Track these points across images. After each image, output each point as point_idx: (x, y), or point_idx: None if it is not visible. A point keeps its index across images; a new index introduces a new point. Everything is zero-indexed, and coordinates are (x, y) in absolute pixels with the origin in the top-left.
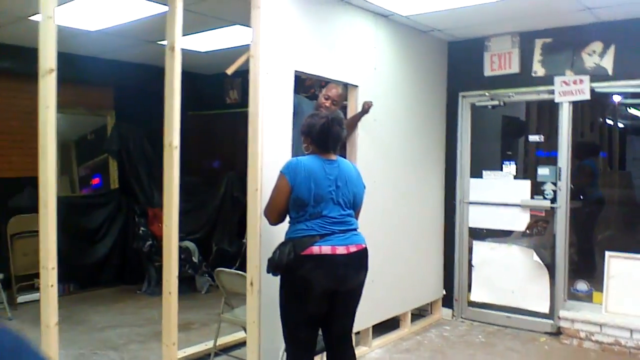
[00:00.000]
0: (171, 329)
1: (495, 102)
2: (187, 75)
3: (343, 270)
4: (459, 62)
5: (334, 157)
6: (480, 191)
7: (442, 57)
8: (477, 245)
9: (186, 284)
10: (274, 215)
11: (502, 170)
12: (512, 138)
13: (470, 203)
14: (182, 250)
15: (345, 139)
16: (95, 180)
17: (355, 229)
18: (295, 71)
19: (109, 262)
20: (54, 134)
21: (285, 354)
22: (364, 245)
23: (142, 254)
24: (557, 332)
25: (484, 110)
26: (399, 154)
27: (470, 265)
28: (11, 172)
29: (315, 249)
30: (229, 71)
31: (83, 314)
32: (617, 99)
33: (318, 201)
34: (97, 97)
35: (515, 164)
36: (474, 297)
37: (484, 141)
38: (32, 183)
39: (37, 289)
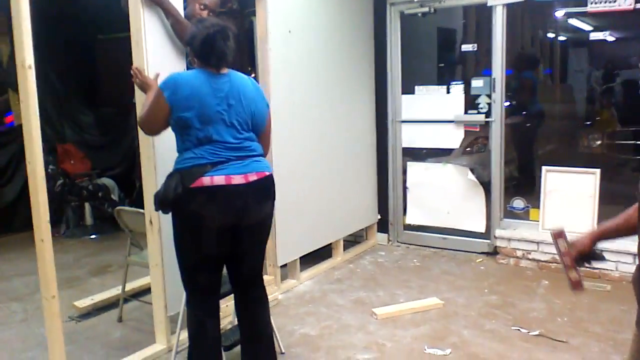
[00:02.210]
0: (48, 281)
1: (425, 9)
2: None
3: (241, 202)
4: None
5: (224, 70)
6: (413, 109)
7: None
8: (411, 167)
9: (109, 223)
10: (152, 130)
11: (449, 92)
12: (447, 51)
13: (403, 122)
14: (100, 188)
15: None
16: (9, 119)
17: (256, 155)
18: None
19: (20, 205)
20: None
21: (186, 300)
22: (267, 173)
23: (55, 195)
24: (494, 252)
25: (415, 20)
26: (321, 70)
27: (404, 188)
28: None
29: (206, 180)
30: None
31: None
32: (559, 13)
33: (205, 122)
34: None
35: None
36: (410, 220)
37: (417, 55)
38: None
39: None
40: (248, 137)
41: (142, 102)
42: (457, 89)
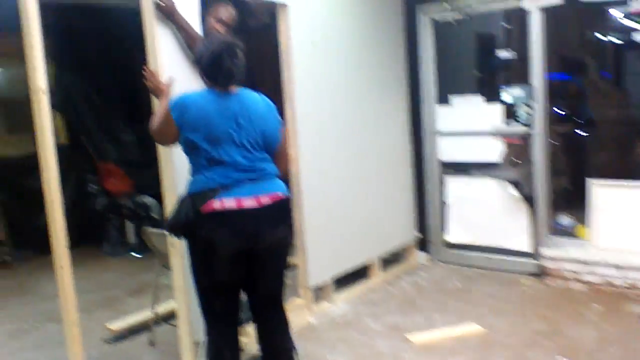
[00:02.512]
0: (69, 308)
1: (458, 16)
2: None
3: (254, 226)
4: None
5: (233, 89)
6: (449, 120)
7: None
8: (450, 181)
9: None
10: (163, 143)
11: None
12: (484, 59)
13: (439, 134)
14: (141, 206)
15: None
16: None
17: (269, 176)
18: None
19: (66, 223)
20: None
21: (204, 328)
22: (281, 195)
23: (96, 213)
24: (541, 273)
25: (449, 27)
26: (350, 80)
27: (443, 204)
28: None
29: (217, 204)
30: None
31: (34, 282)
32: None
33: (214, 143)
34: None
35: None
36: (450, 238)
37: (452, 63)
38: None
39: None
40: (260, 158)
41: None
42: (504, 96)
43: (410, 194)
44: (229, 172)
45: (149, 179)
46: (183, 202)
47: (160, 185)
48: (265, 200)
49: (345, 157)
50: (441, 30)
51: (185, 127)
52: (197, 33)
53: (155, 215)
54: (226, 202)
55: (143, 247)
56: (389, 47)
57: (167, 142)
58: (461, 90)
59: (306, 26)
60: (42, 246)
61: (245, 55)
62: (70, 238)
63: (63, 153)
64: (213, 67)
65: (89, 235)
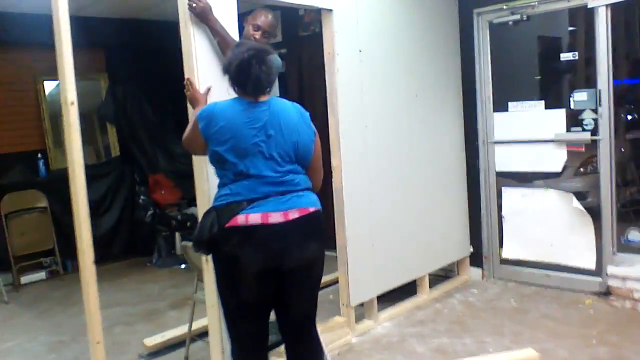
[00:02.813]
0: (94, 326)
1: (516, 17)
2: None
3: (281, 242)
4: None
5: (264, 97)
6: (506, 127)
7: None
8: (507, 193)
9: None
10: (195, 153)
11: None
12: (545, 62)
13: (496, 142)
14: (189, 217)
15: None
16: None
17: (300, 190)
18: None
19: (117, 235)
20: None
21: (230, 352)
22: (311, 209)
23: (145, 225)
24: (606, 293)
25: (507, 29)
26: (399, 88)
27: (500, 216)
28: None
29: (241, 219)
30: None
31: (80, 294)
32: None
33: (241, 156)
34: (87, 59)
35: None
36: (507, 253)
37: (510, 67)
38: (22, 158)
39: (44, 268)
40: (291, 170)
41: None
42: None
43: (464, 206)
44: (256, 186)
45: None
46: (208, 217)
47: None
48: (294, 215)
49: (392, 168)
50: (498, 32)
51: (212, 139)
52: (232, 39)
53: None
54: (251, 217)
55: None
56: (443, 52)
57: (197, 153)
58: (520, 95)
59: (352, 32)
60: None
61: (290, 62)
62: (119, 249)
63: (115, 165)
64: (241, 75)
65: (139, 247)
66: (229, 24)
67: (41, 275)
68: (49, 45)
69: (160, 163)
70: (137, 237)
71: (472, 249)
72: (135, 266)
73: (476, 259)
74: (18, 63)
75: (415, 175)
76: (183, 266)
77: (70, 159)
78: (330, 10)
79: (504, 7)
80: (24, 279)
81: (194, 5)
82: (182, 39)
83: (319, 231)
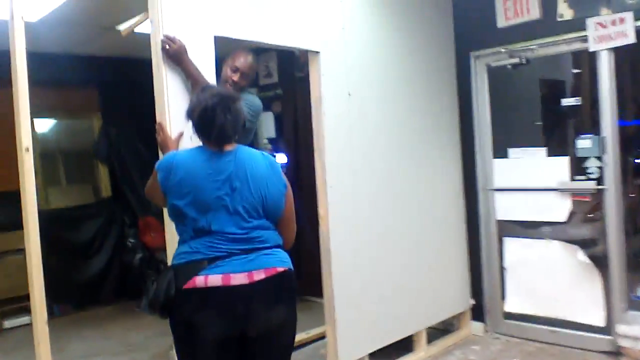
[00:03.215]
0: None
1: (515, 60)
2: None
3: (244, 306)
4: (466, 13)
5: (229, 147)
6: (507, 174)
7: (445, 7)
8: (509, 243)
9: None
10: (157, 203)
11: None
12: (546, 107)
13: (497, 190)
14: None
15: (246, 128)
16: None
17: (268, 247)
18: (216, 36)
19: (107, 277)
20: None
21: None
22: (280, 269)
23: (134, 268)
24: (616, 353)
25: (505, 72)
26: (393, 134)
27: (502, 268)
28: None
29: (200, 280)
30: (123, 33)
31: (65, 340)
32: None
33: (202, 211)
34: (80, 98)
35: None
36: (510, 307)
37: (510, 112)
38: (9, 198)
39: (29, 312)
40: (259, 226)
41: None
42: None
43: (463, 256)
44: (219, 243)
45: None
46: (165, 277)
47: None
48: (260, 275)
49: (385, 215)
50: (497, 75)
51: (171, 192)
52: (206, 81)
53: None
54: (211, 279)
55: None
56: (439, 95)
57: (160, 205)
58: (521, 141)
59: (341, 75)
60: (81, 300)
61: (285, 103)
62: (109, 292)
63: (106, 206)
64: (204, 122)
65: (128, 290)
66: (206, 65)
67: (26, 319)
68: (40, 83)
69: (152, 205)
70: (127, 280)
71: (473, 302)
72: (123, 311)
73: (477, 313)
74: (7, 100)
75: (409, 222)
76: None
77: (24, 208)
78: (317, 52)
79: (502, 50)
80: (7, 323)
81: (167, 47)
82: (155, 81)
83: (290, 293)
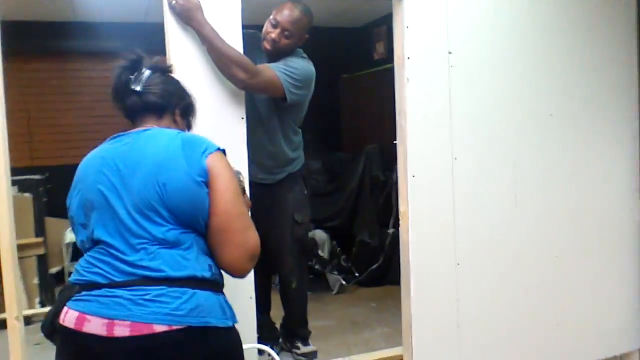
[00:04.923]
0: None
1: None
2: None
3: None
4: None
5: (145, 125)
6: None
7: None
8: None
9: (316, 282)
10: None
11: None
12: None
13: None
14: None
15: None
16: None
17: (158, 281)
18: None
19: None
20: None
21: None
22: (159, 329)
23: None
24: None
25: None
26: (521, 106)
27: None
28: None
29: (62, 313)
30: None
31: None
32: None
33: (88, 212)
34: None
35: None
36: None
37: None
38: None
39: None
40: (155, 238)
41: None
42: None
43: (634, 279)
44: (98, 261)
45: (327, 210)
46: (60, 296)
47: (337, 217)
48: (122, 331)
49: (498, 218)
50: None
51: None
52: (225, 46)
53: (322, 254)
54: (69, 315)
55: (309, 286)
56: (605, 55)
57: None
58: None
59: (436, 25)
60: None
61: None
62: None
63: None
64: (114, 94)
65: None
66: (230, 28)
67: None
68: None
69: None
70: None
71: None
72: None
73: None
74: None
75: (542, 230)
76: None
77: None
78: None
79: None
80: None
81: (174, 2)
82: (167, 48)
83: None
